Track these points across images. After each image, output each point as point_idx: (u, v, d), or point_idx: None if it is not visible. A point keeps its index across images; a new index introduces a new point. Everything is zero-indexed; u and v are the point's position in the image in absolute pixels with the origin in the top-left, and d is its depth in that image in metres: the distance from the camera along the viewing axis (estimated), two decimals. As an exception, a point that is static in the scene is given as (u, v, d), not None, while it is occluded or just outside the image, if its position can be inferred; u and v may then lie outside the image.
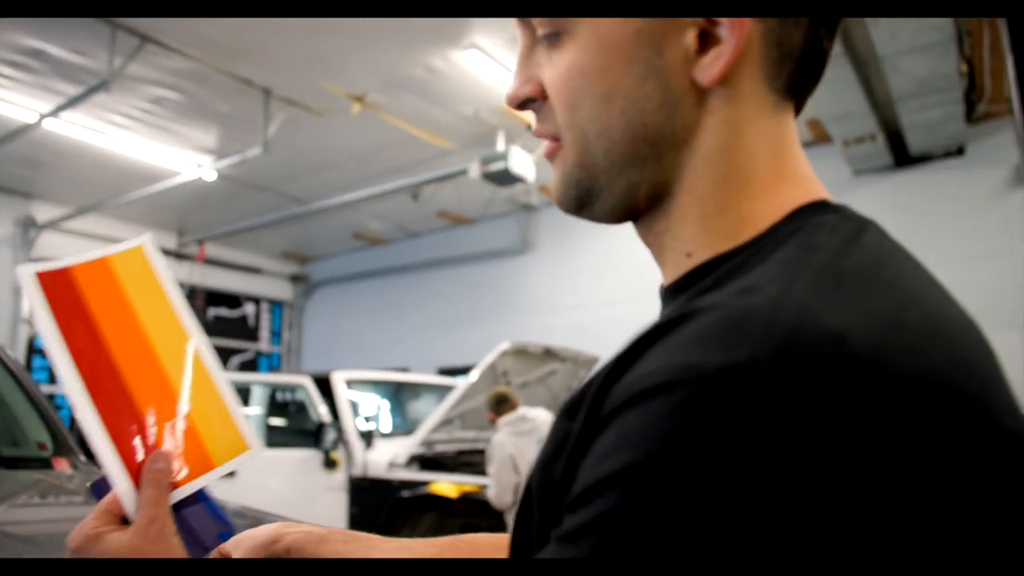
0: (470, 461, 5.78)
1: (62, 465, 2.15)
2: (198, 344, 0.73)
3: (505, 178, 7.20)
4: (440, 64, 6.20)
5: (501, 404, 4.83)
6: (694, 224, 0.54)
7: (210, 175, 8.15)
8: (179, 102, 6.86)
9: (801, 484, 0.36)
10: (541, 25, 0.55)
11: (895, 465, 0.37)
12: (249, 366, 12.62)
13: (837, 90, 5.81)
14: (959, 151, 7.20)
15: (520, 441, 4.65)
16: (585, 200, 0.57)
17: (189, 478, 0.68)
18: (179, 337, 0.73)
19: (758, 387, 0.37)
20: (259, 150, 7.06)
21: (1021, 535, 0.39)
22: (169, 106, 6.94)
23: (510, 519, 4.21)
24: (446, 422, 5.67)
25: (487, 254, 10.64)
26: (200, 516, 0.69)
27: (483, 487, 4.87)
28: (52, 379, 9.88)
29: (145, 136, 7.59)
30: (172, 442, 0.69)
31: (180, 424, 0.70)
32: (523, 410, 4.84)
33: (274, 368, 13.04)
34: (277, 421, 6.27)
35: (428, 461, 5.59)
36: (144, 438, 0.68)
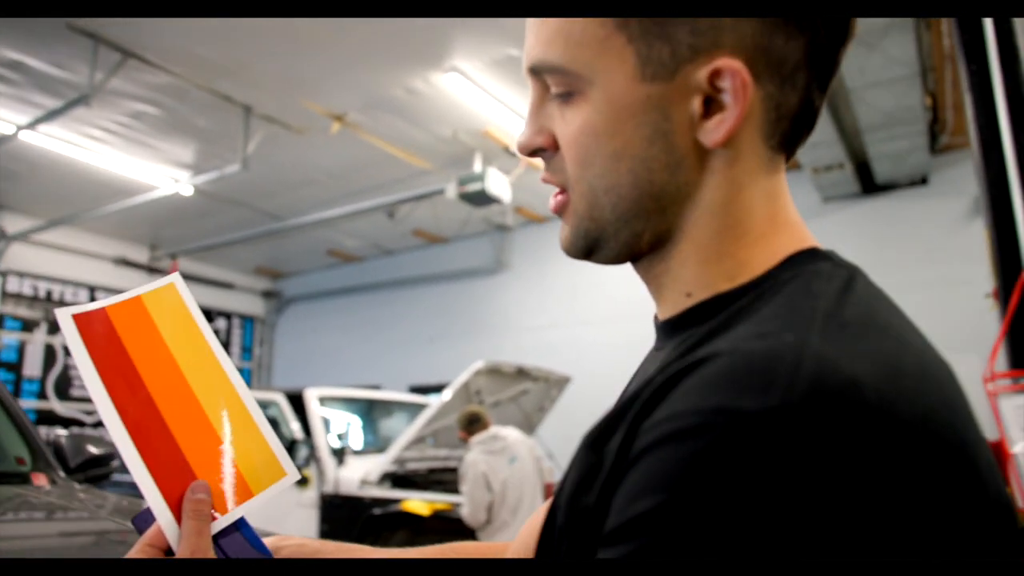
0: (442, 479, 5.79)
1: (41, 480, 2.14)
2: (231, 376, 0.74)
3: (481, 199, 7.25)
4: (420, 86, 6.27)
5: (473, 423, 4.86)
6: (694, 268, 0.58)
7: (187, 190, 8.12)
8: (159, 117, 6.85)
9: (830, 521, 0.39)
10: (555, 84, 0.58)
11: (905, 499, 0.40)
12: (219, 382, 12.48)
13: (807, 120, 5.94)
14: (923, 181, 7.38)
15: (492, 459, 4.68)
16: (593, 248, 0.61)
17: (228, 508, 0.69)
18: (212, 369, 0.74)
19: (790, 431, 0.40)
20: (238, 167, 7.06)
21: (994, 551, 0.44)
22: (148, 121, 6.93)
23: (483, 537, 4.22)
24: (418, 440, 5.68)
25: (461, 273, 10.66)
26: (239, 545, 0.69)
27: (455, 505, 4.88)
28: (15, 392, 9.73)
29: (122, 150, 7.55)
30: (211, 473, 0.69)
31: (218, 455, 0.70)
32: (495, 429, 4.86)
33: (245, 384, 12.91)
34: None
35: (400, 479, 5.59)
36: (183, 470, 0.68)
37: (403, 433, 5.65)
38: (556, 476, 5.68)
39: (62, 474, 2.30)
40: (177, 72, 6.03)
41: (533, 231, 10.05)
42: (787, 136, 0.57)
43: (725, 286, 0.56)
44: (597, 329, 9.02)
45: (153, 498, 0.65)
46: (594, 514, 0.50)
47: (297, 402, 5.92)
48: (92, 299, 10.20)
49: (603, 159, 0.57)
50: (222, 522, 0.68)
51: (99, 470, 2.50)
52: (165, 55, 5.81)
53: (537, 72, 0.60)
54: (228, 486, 0.69)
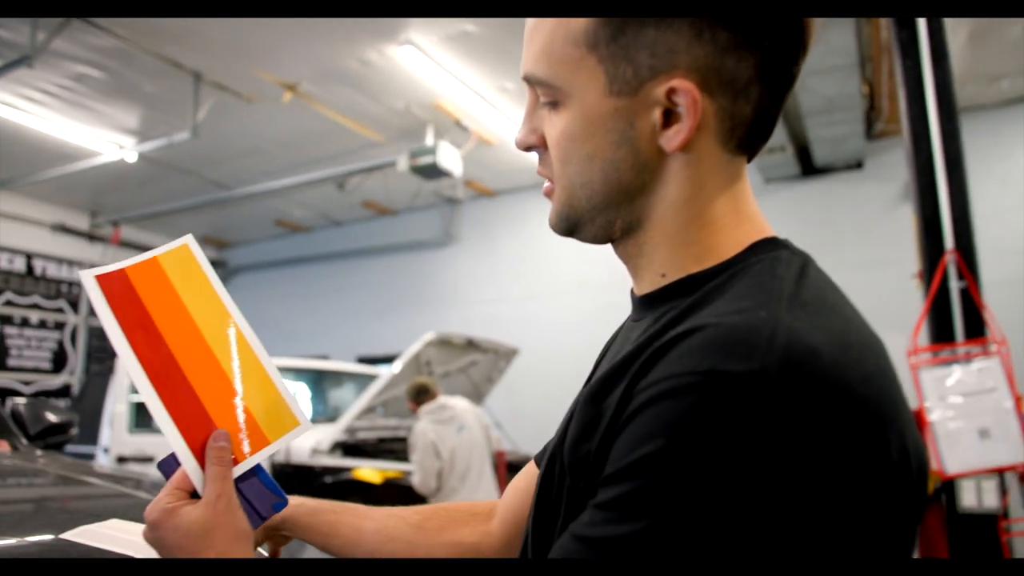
0: (392, 448, 5.89)
1: (2, 447, 2.18)
2: (244, 330, 0.80)
3: (433, 172, 7.28)
4: (374, 57, 6.25)
5: (421, 394, 4.95)
6: (666, 252, 0.68)
7: (131, 156, 7.95)
8: (103, 81, 6.67)
9: (799, 461, 0.49)
10: (542, 94, 0.68)
11: (850, 446, 0.50)
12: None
13: (751, 104, 6.11)
14: (859, 165, 7.64)
15: (441, 428, 4.78)
16: (572, 229, 0.71)
17: (247, 455, 0.75)
18: (226, 325, 0.80)
19: (768, 390, 0.50)
20: (187, 134, 6.93)
21: (910, 492, 0.55)
22: (92, 84, 6.74)
23: (433, 504, 4.36)
24: (369, 410, 5.75)
25: (410, 245, 10.65)
26: (257, 489, 0.76)
27: (406, 473, 4.98)
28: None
29: (64, 114, 7.33)
30: (229, 422, 0.75)
31: (235, 406, 0.76)
32: (443, 399, 4.97)
33: (188, 354, 12.69)
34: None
35: (351, 448, 5.66)
36: (204, 420, 0.74)
37: (354, 403, 5.71)
38: (504, 445, 5.83)
39: (24, 441, 2.33)
40: (123, 35, 5.88)
41: (483, 205, 10.10)
42: (743, 142, 0.66)
43: (695, 268, 0.66)
44: (543, 303, 9.15)
45: (179, 446, 0.72)
46: (595, 459, 0.60)
47: (247, 372, 5.91)
48: (29, 267, 9.95)
49: (579, 159, 0.66)
50: (241, 467, 0.74)
51: (58, 437, 2.55)
52: (111, 17, 5.67)
53: (529, 82, 0.69)
54: (245, 435, 0.76)
